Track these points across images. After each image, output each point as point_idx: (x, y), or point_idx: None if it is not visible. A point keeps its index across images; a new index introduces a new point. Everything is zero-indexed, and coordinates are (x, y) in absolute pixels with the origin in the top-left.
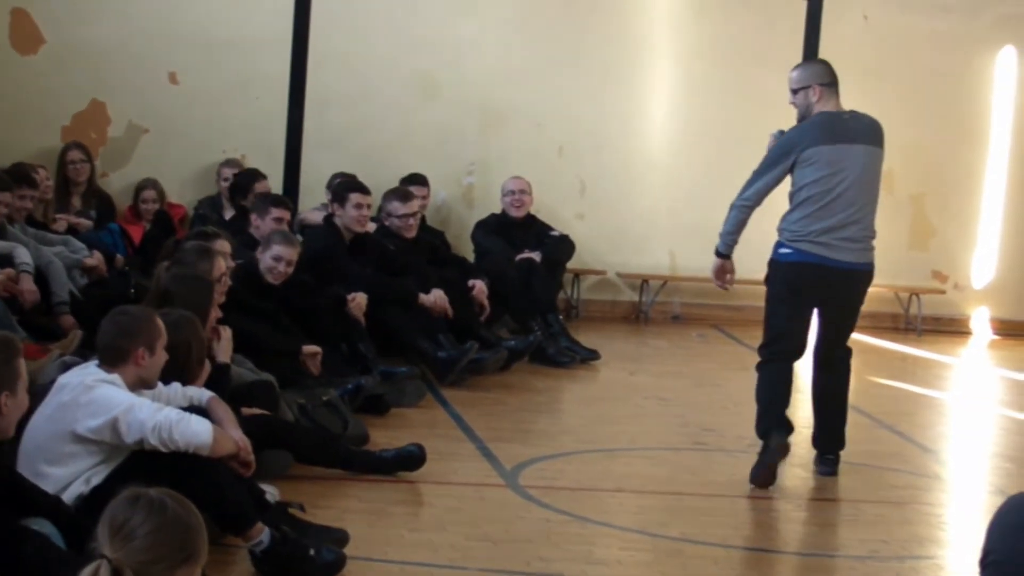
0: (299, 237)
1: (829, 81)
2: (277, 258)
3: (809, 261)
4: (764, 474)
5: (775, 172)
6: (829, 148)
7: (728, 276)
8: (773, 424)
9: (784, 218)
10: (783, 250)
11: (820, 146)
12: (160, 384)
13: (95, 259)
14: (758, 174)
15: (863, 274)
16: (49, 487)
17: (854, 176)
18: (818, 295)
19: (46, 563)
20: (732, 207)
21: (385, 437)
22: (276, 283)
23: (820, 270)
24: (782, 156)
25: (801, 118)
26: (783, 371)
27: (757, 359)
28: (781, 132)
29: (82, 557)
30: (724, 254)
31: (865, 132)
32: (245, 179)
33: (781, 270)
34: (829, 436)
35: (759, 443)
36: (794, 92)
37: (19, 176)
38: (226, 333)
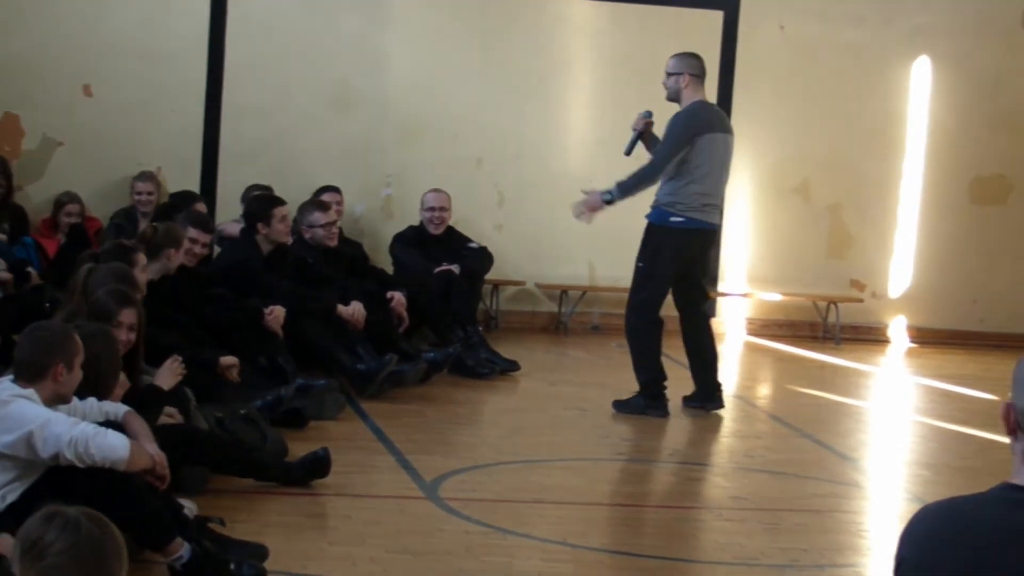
0: (216, 249)
1: (699, 73)
2: (193, 240)
3: (701, 228)
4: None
5: (681, 150)
6: (715, 135)
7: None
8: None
9: (674, 191)
10: (675, 219)
11: (712, 132)
12: (75, 399)
13: (5, 274)
14: (672, 150)
15: (718, 231)
16: None
17: (725, 158)
18: (699, 257)
19: None
20: (650, 168)
21: (304, 449)
22: (192, 264)
23: (705, 234)
24: (688, 138)
25: (669, 99)
26: (660, 332)
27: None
28: (648, 112)
29: None
30: (612, 202)
31: (726, 122)
32: (181, 201)
33: (674, 236)
34: (710, 385)
35: (678, 452)
36: (668, 75)
37: None
38: (178, 364)
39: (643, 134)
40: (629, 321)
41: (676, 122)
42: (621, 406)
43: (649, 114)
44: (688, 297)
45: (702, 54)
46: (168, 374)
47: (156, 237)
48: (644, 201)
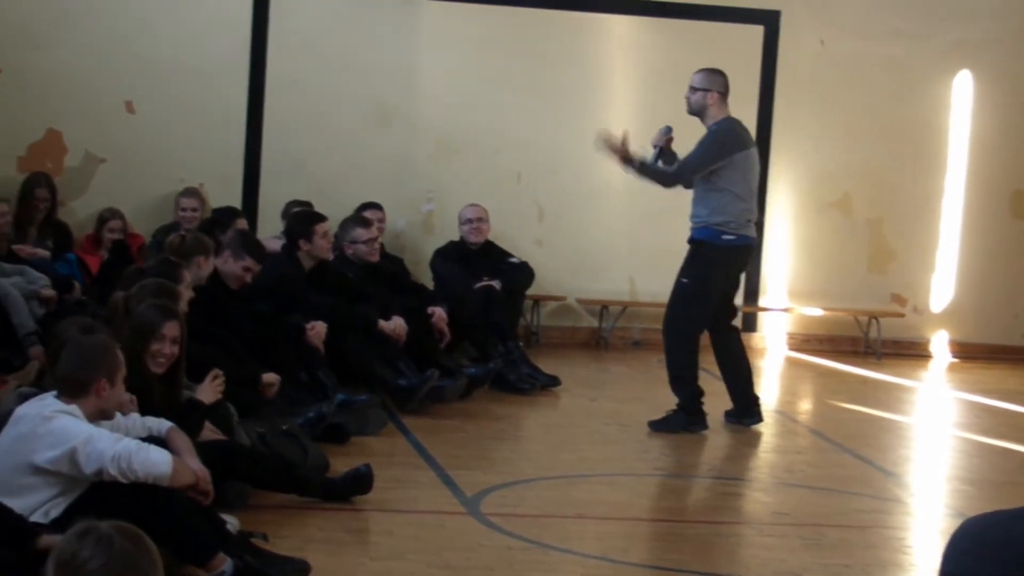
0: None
1: (725, 91)
2: (247, 268)
3: (749, 244)
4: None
5: (712, 165)
6: (750, 151)
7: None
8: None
9: (722, 209)
10: (727, 236)
11: (747, 149)
12: (119, 414)
13: (50, 291)
14: (703, 163)
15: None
16: None
17: (757, 173)
18: (739, 272)
19: None
20: (676, 173)
21: (345, 465)
22: (236, 288)
23: (751, 250)
24: (724, 154)
25: (691, 113)
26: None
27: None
28: (669, 128)
29: None
30: (635, 168)
31: (752, 138)
32: (224, 216)
33: (726, 254)
34: (747, 399)
35: (719, 467)
36: (693, 90)
37: None
38: (219, 379)
39: (663, 150)
40: (670, 337)
41: (713, 138)
42: (659, 425)
43: (669, 129)
44: (724, 313)
45: (742, 69)
46: (209, 389)
47: (184, 246)
48: (684, 216)
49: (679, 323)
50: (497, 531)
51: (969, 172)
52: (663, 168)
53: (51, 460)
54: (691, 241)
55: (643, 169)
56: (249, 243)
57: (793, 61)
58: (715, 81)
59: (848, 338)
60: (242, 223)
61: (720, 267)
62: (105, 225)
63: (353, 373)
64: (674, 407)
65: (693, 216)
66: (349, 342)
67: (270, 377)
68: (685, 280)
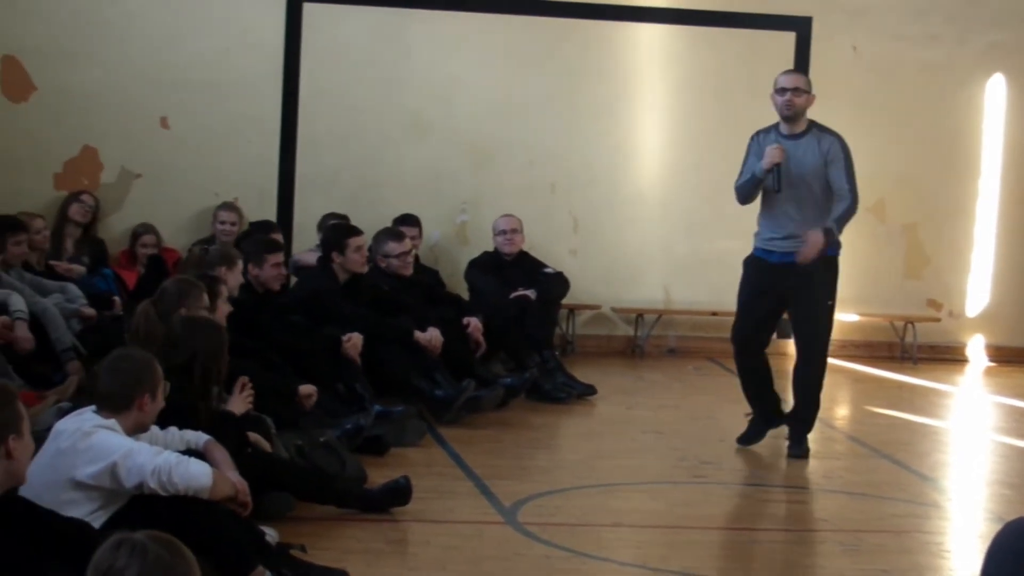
0: (293, 279)
1: None
2: (276, 264)
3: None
4: None
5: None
6: None
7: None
8: None
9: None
10: (834, 236)
11: None
12: (156, 427)
13: (89, 309)
14: (855, 179)
15: None
16: None
17: None
18: None
19: None
20: (856, 202)
21: (383, 477)
22: (278, 287)
23: None
24: None
25: (791, 117)
26: None
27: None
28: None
29: None
30: (835, 236)
31: None
32: (260, 230)
33: (836, 267)
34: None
35: (756, 475)
36: (800, 92)
37: (13, 224)
38: (247, 388)
39: (780, 167)
40: (820, 366)
41: (849, 151)
42: (798, 450)
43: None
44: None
45: (775, 76)
46: (239, 399)
47: (208, 259)
48: (718, 224)
49: (825, 349)
50: (535, 540)
51: (1003, 176)
52: (848, 209)
53: (92, 475)
54: (823, 258)
55: (841, 227)
56: (261, 243)
57: (825, 67)
58: (810, 82)
59: (884, 343)
60: (277, 237)
61: (836, 281)
62: (138, 240)
63: (389, 384)
64: (800, 431)
65: (818, 227)
66: (385, 353)
67: (307, 389)
68: (830, 302)
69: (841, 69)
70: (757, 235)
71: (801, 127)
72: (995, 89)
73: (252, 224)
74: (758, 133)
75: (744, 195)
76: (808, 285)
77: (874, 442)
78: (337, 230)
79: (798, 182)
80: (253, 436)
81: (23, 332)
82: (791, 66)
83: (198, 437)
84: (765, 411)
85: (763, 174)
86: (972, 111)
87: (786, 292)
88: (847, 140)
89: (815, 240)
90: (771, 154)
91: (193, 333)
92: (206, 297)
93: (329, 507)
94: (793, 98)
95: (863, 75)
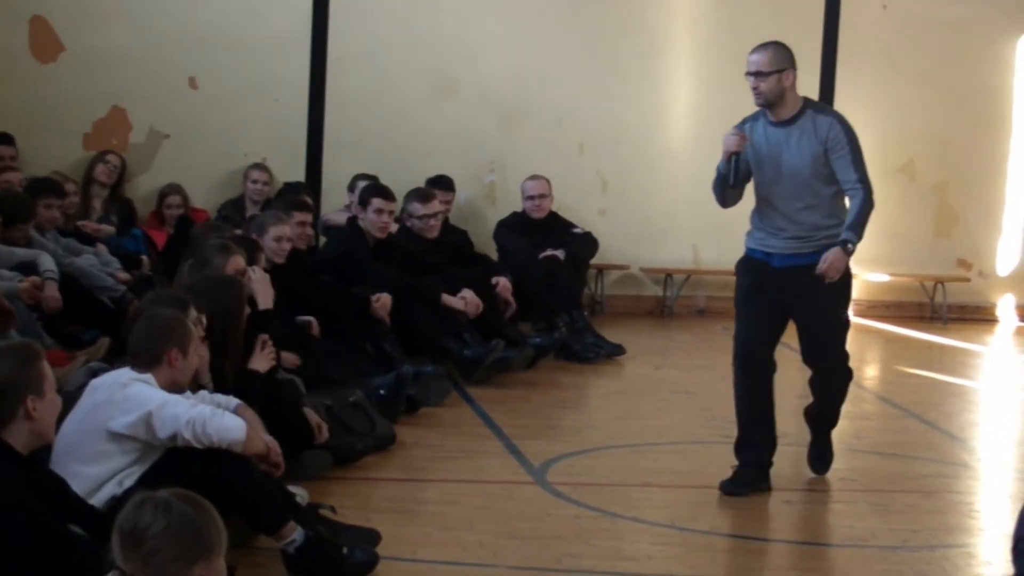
0: (323, 238)
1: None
2: (278, 238)
3: None
4: None
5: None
6: None
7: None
8: None
9: (841, 222)
10: (853, 247)
11: None
12: (188, 392)
13: (124, 273)
14: (864, 166)
15: None
16: (81, 486)
17: None
18: None
19: (91, 568)
20: (871, 195)
21: (412, 436)
22: (282, 261)
23: None
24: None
25: (766, 104)
26: None
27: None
28: (740, 127)
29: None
30: (855, 246)
31: None
32: (367, 192)
33: (850, 276)
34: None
35: (787, 433)
36: (763, 75)
37: (48, 187)
38: (268, 345)
39: (739, 156)
40: (842, 387)
41: (854, 133)
42: (821, 467)
43: (742, 128)
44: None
45: (804, 35)
46: (261, 357)
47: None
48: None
49: (847, 363)
50: (564, 500)
51: None
52: (862, 207)
53: (127, 425)
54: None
55: (860, 232)
56: (287, 202)
57: (855, 25)
58: (788, 57)
59: (914, 303)
60: (304, 198)
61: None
62: (164, 201)
63: (418, 344)
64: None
65: (819, 227)
66: (414, 313)
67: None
68: (843, 311)
69: (871, 27)
70: (749, 234)
71: (790, 111)
72: None
73: (285, 184)
74: (744, 121)
75: (718, 197)
76: (819, 299)
77: (904, 402)
78: (367, 188)
79: (793, 175)
80: (287, 356)
81: (52, 292)
82: (821, 25)
83: (229, 400)
84: (759, 455)
85: (723, 167)
86: (1003, 69)
87: (791, 304)
88: (878, 100)
89: (835, 260)
90: (727, 141)
91: (209, 290)
92: (240, 259)
93: (358, 468)
94: (757, 83)
95: (893, 33)
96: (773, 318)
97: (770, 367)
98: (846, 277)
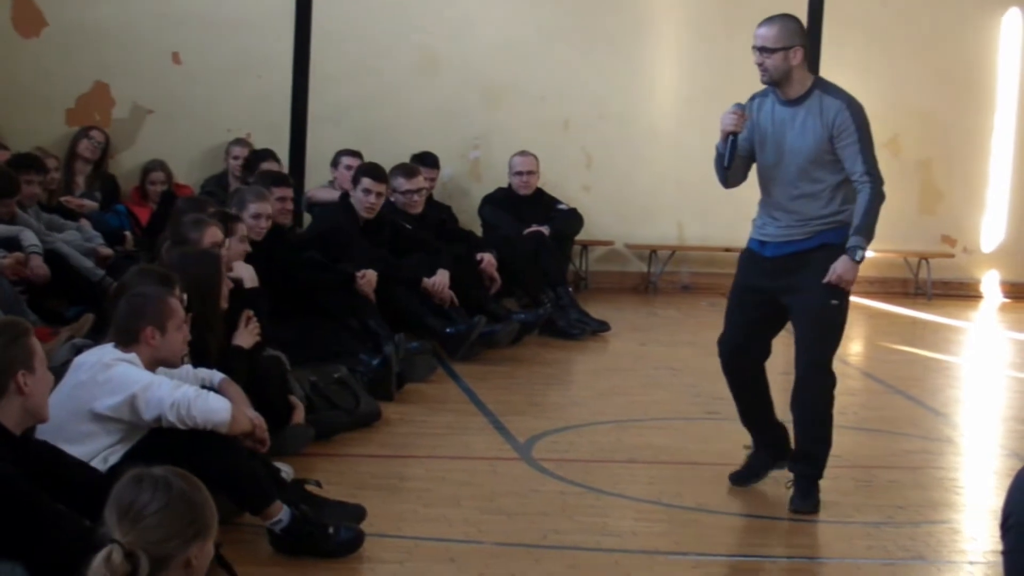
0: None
1: (807, 42)
2: (256, 215)
3: None
4: None
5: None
6: None
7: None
8: None
9: (844, 210)
10: (862, 253)
11: None
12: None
13: (107, 249)
14: (873, 152)
15: None
16: None
17: None
18: None
19: (77, 542)
20: (881, 188)
21: (397, 412)
22: (260, 238)
23: None
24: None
25: (771, 83)
26: None
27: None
28: (741, 105)
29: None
30: (862, 254)
31: None
32: (360, 170)
33: (856, 273)
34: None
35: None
36: (769, 51)
37: (28, 162)
38: (252, 321)
39: (737, 137)
40: (824, 388)
41: (864, 118)
42: (802, 503)
43: (742, 107)
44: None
45: (788, 8)
46: (245, 333)
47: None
48: None
49: (828, 360)
50: (550, 476)
51: (1019, 110)
52: (870, 203)
53: (111, 407)
54: (821, 248)
55: (870, 235)
56: (268, 176)
57: (841, 0)
58: (797, 32)
59: (898, 280)
60: (271, 165)
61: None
62: (148, 177)
63: (402, 321)
64: (805, 478)
65: (813, 217)
66: (398, 291)
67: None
68: (835, 301)
69: (856, 2)
70: (753, 220)
71: (798, 90)
72: (1011, 23)
73: (252, 152)
74: (753, 97)
75: (719, 177)
76: (806, 281)
77: (888, 378)
78: (360, 168)
79: (792, 158)
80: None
81: (38, 263)
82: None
83: (212, 375)
84: (767, 443)
85: (720, 146)
86: (988, 45)
87: (781, 293)
88: (862, 76)
89: (843, 271)
90: (724, 120)
91: (184, 264)
92: (218, 231)
93: (343, 444)
94: (762, 59)
95: (878, 8)
96: (762, 321)
97: (754, 372)
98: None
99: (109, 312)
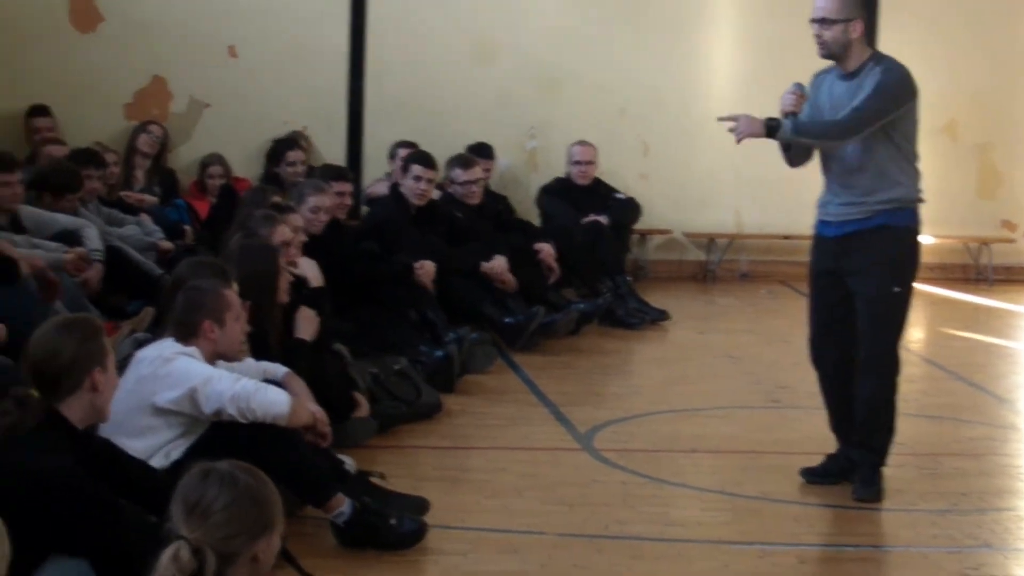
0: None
1: (866, 15)
2: (315, 209)
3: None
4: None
5: (884, 117)
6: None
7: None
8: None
9: (916, 179)
10: (917, 216)
11: (916, 98)
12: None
13: (167, 243)
14: (878, 115)
15: None
16: None
17: None
18: None
19: (143, 538)
20: (846, 124)
21: (458, 403)
22: (318, 232)
23: None
24: (902, 102)
25: (830, 56)
26: None
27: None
28: (800, 86)
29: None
30: (774, 135)
31: None
32: (410, 157)
33: (917, 245)
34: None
35: None
36: (826, 23)
37: (88, 157)
38: (308, 312)
39: (796, 116)
40: (885, 375)
41: (892, 80)
42: (864, 491)
43: (800, 87)
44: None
45: None
46: (306, 323)
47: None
48: None
49: (893, 347)
50: (611, 467)
51: None
52: (828, 123)
53: (172, 400)
54: (880, 229)
55: (798, 130)
56: (326, 171)
57: None
58: (858, 4)
59: (959, 265)
60: (297, 154)
61: (918, 256)
62: (206, 171)
63: (460, 311)
64: (867, 465)
65: (870, 193)
66: (455, 281)
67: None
68: (897, 289)
69: None
70: (817, 203)
71: (855, 64)
72: None
73: (276, 141)
74: (817, 75)
75: (785, 157)
76: (866, 265)
77: (950, 364)
78: (410, 155)
79: None
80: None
81: (97, 274)
82: None
83: (276, 368)
84: (846, 448)
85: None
86: None
87: (846, 275)
88: (919, 60)
89: (747, 123)
90: (783, 100)
91: (242, 257)
92: (286, 229)
93: (404, 435)
94: (821, 31)
95: None
96: (840, 305)
97: (840, 363)
98: (908, 248)
99: (164, 305)
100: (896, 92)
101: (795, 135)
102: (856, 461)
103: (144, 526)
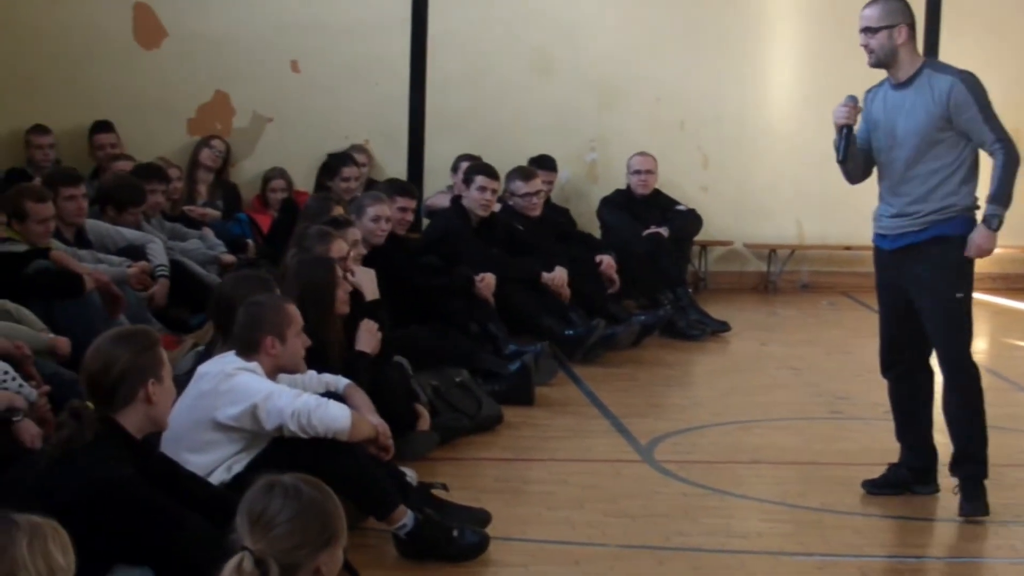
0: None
1: (914, 22)
2: (376, 218)
3: None
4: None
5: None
6: None
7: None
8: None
9: (972, 187)
10: (969, 228)
11: None
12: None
13: (229, 256)
14: (995, 117)
15: None
16: None
17: None
18: None
19: (206, 548)
20: (1015, 156)
21: (519, 416)
22: (381, 242)
23: None
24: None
25: (878, 65)
26: None
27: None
28: (854, 98)
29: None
30: (995, 224)
31: None
32: (471, 169)
33: (994, 242)
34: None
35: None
36: (872, 31)
37: (151, 172)
38: (370, 325)
39: (852, 129)
40: (963, 377)
41: (981, 89)
42: (971, 507)
43: (854, 99)
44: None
45: (908, 2)
46: (368, 336)
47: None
48: None
49: (965, 355)
50: (673, 478)
51: None
52: (1004, 171)
53: (233, 416)
54: (936, 241)
55: (1006, 200)
56: (391, 185)
57: None
58: (900, 11)
59: (1020, 275)
60: (351, 169)
61: (972, 273)
62: (268, 185)
63: (521, 324)
64: (970, 480)
65: (924, 203)
66: (516, 293)
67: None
68: (960, 295)
69: None
70: (873, 215)
71: (907, 72)
72: None
73: (330, 156)
74: (869, 90)
75: (843, 172)
76: (926, 276)
77: (1013, 375)
78: (472, 167)
79: (904, 140)
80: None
81: (163, 289)
82: None
83: (338, 381)
84: (912, 462)
85: (836, 140)
86: None
87: (907, 287)
88: (981, 69)
89: (981, 241)
90: (837, 113)
91: (299, 270)
92: (343, 244)
93: (465, 447)
94: (867, 39)
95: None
96: (907, 316)
97: (910, 375)
98: (960, 252)
99: (216, 319)
100: (986, 93)
101: (1006, 203)
102: (958, 478)
103: (207, 536)
